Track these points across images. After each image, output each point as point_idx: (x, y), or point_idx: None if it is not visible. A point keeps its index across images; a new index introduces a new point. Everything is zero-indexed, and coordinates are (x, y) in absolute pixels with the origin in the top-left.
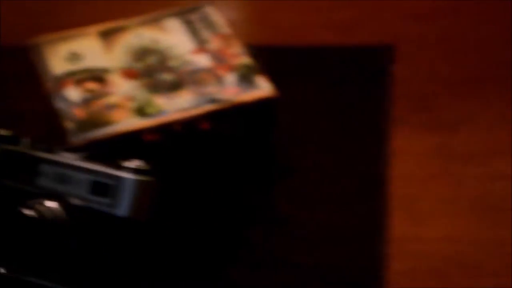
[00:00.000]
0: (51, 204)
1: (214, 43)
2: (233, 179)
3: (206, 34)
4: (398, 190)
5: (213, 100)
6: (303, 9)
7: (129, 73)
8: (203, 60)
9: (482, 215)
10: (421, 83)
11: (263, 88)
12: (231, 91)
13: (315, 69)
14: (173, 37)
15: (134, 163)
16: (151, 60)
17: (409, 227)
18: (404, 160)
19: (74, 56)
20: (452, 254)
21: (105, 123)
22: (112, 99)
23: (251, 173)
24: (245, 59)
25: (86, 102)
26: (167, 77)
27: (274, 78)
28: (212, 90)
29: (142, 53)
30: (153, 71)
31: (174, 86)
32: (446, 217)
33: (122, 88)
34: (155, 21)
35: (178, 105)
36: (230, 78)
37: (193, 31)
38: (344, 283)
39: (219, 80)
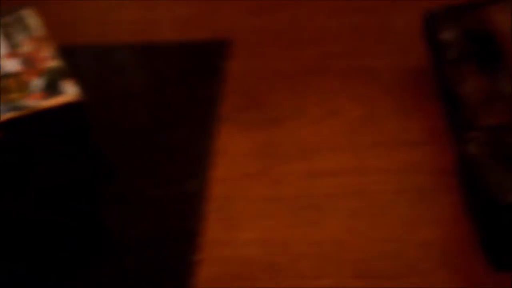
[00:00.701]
0: None
1: (26, 47)
2: (47, 190)
3: (20, 37)
4: (217, 191)
5: (15, 108)
6: (144, 6)
7: None
8: (12, 65)
9: (298, 215)
10: (255, 79)
11: (69, 92)
12: (35, 97)
13: (146, 66)
14: None
15: None
16: None
17: (222, 230)
18: (226, 160)
19: None
20: (261, 257)
21: None
22: None
23: (69, 181)
24: (54, 63)
25: None
26: None
27: (100, 77)
28: (16, 96)
29: None
30: None
31: None
32: (261, 218)
33: None
34: None
35: None
36: (37, 83)
37: (7, 35)
38: None
39: (25, 85)
